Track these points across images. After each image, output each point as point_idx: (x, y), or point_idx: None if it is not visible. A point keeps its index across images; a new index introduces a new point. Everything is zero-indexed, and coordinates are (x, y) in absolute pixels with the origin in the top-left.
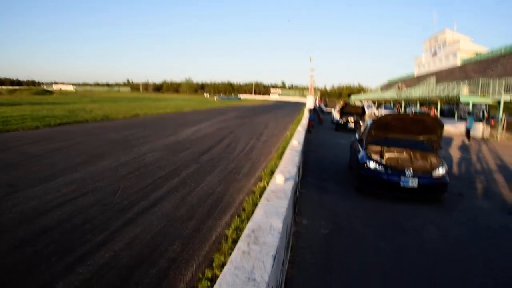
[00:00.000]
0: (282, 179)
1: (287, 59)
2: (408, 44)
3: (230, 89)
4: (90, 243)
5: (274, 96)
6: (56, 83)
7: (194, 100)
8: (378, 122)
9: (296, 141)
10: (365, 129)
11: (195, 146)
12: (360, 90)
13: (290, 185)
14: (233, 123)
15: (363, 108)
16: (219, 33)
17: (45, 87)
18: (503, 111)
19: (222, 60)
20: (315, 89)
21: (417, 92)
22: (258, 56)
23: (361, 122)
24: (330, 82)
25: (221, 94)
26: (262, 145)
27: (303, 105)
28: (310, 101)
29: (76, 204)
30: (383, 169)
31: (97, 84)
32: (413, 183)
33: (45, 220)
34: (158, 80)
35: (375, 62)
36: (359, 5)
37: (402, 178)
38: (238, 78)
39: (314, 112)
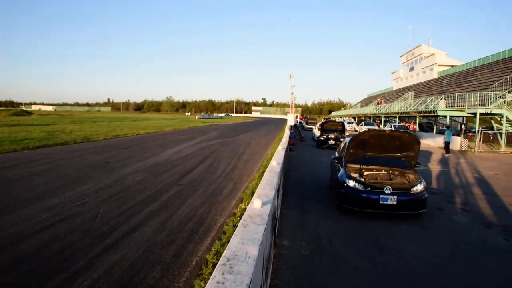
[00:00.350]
0: (259, 203)
1: (268, 77)
2: (386, 59)
3: (211, 107)
4: (69, 270)
5: (256, 113)
6: (35, 103)
7: (175, 119)
8: (356, 140)
9: (275, 161)
10: (343, 147)
11: (176, 167)
12: (340, 106)
13: (267, 209)
14: (214, 143)
15: (343, 124)
16: (200, 51)
17: (23, 108)
18: (479, 123)
19: (203, 78)
20: (296, 106)
21: (396, 107)
22: (239, 74)
23: (341, 138)
24: (311, 98)
25: (202, 113)
26: (243, 165)
27: (284, 122)
28: (291, 119)
29: (55, 230)
30: (362, 187)
31: (77, 104)
32: (392, 200)
33: (23, 248)
34: (139, 99)
35: (354, 78)
36: (338, 22)
37: (381, 196)
38: (219, 96)
39: (295, 129)
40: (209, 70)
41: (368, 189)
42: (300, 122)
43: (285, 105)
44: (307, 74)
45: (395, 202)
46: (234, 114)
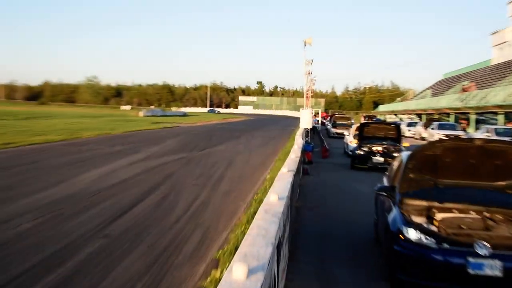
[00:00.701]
0: (244, 271)
1: (265, 46)
2: (478, 10)
3: (169, 96)
4: None
5: (246, 107)
6: None
7: (103, 116)
8: (421, 157)
9: (276, 194)
10: (398, 168)
11: (102, 203)
12: (394, 94)
13: (257, 282)
14: (172, 159)
15: (398, 127)
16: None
17: None
18: None
19: (153, 47)
20: (316, 95)
21: (499, 95)
22: (216, 42)
23: (395, 153)
24: (341, 82)
25: (152, 106)
26: (222, 199)
27: (295, 122)
28: (306, 117)
29: None
30: (434, 242)
31: None
32: (492, 268)
33: None
34: (34, 80)
35: (419, 46)
36: None
37: (471, 260)
38: (182, 77)
39: (314, 135)
40: (163, 36)
41: (446, 245)
42: (323, 123)
43: (297, 94)
44: (335, 44)
45: (498, 272)
46: (204, 110)
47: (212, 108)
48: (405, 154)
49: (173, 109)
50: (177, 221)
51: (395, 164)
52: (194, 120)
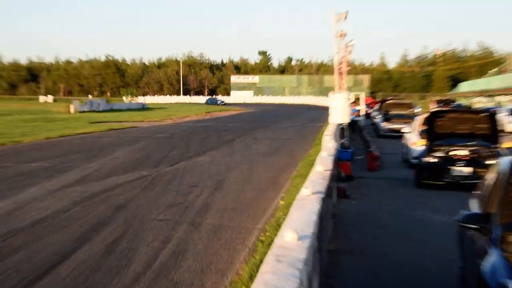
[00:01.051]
0: None
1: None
2: None
3: (116, 79)
4: None
5: (242, 93)
6: None
7: (9, 114)
8: None
9: (294, 232)
10: (496, 184)
11: (8, 259)
12: (486, 64)
13: None
14: (126, 181)
15: (493, 117)
16: None
17: None
18: None
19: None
20: (354, 71)
21: None
22: None
23: (489, 160)
24: (396, 49)
25: (89, 95)
26: (207, 243)
27: (322, 115)
28: (340, 106)
29: None
30: None
31: None
32: None
33: None
34: None
35: None
36: None
37: None
38: (137, 49)
39: (355, 134)
40: None
41: None
42: (368, 115)
43: (324, 69)
44: None
45: None
46: (175, 99)
47: (212, 97)
48: (506, 161)
49: (125, 99)
50: (136, 282)
51: (491, 177)
52: (160, 115)
